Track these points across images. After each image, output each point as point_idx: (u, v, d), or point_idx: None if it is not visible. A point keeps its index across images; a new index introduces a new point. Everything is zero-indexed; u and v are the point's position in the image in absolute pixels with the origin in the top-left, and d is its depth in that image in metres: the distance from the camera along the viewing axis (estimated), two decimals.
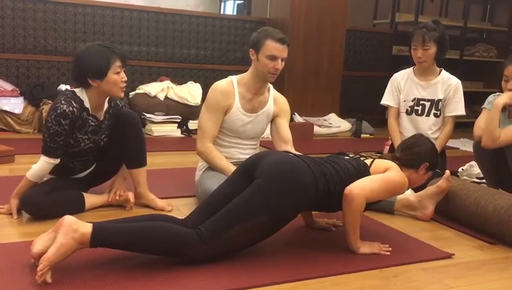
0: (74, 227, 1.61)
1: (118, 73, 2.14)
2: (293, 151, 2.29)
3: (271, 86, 2.62)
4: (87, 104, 2.19)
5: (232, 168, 2.33)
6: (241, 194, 1.82)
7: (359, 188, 1.89)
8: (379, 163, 2.04)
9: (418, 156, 2.10)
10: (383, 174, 1.98)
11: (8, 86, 4.31)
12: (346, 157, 2.09)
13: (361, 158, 2.10)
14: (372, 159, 2.07)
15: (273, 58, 2.39)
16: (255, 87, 2.50)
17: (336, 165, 1.97)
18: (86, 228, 1.63)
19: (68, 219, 1.63)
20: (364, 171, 1.99)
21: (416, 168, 2.10)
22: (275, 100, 2.60)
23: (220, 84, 2.51)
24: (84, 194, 2.32)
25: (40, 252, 1.60)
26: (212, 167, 2.51)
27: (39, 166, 2.14)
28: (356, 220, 1.93)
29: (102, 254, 1.79)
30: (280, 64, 2.41)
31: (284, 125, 2.62)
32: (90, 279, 1.64)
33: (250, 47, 2.46)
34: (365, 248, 1.98)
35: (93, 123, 2.23)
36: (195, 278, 1.70)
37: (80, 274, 1.66)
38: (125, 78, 2.18)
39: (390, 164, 2.04)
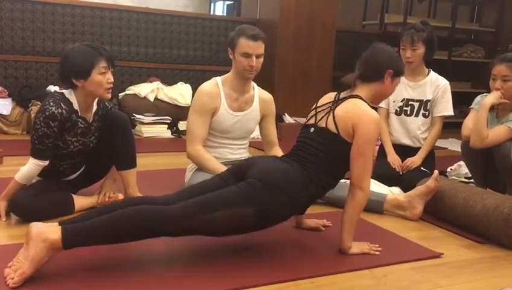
0: (43, 237, 1.57)
1: (103, 74, 2.11)
2: (280, 153, 2.32)
3: (255, 85, 2.64)
4: (75, 106, 2.17)
5: (224, 169, 2.33)
6: (233, 186, 1.82)
7: (364, 181, 1.91)
8: (343, 118, 1.91)
9: (378, 66, 1.99)
10: (363, 149, 1.89)
11: None
12: (311, 130, 2.00)
13: (322, 120, 1.97)
14: (332, 115, 1.93)
15: (246, 55, 2.41)
16: (238, 85, 2.53)
17: (316, 158, 1.92)
18: (55, 234, 1.58)
19: (34, 229, 1.59)
20: (337, 142, 1.91)
21: (381, 78, 1.98)
22: (261, 99, 2.63)
23: (205, 87, 2.53)
24: (73, 195, 2.31)
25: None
26: (202, 169, 2.51)
27: (28, 168, 2.12)
28: (356, 214, 1.94)
29: (97, 254, 1.78)
30: (255, 62, 2.42)
31: (271, 128, 2.69)
32: (85, 281, 1.63)
33: (228, 46, 2.49)
34: (355, 248, 1.99)
35: (82, 125, 2.21)
36: (187, 278, 1.70)
37: (71, 276, 1.66)
38: (111, 80, 2.15)
39: (354, 112, 1.91)
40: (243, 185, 1.80)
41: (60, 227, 1.61)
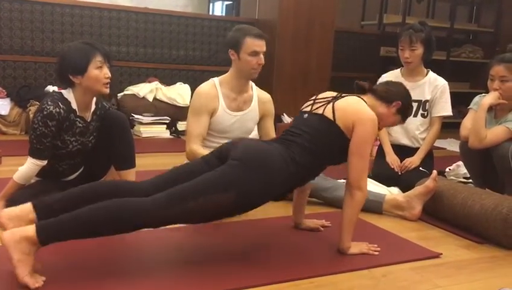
0: (16, 238, 1.54)
1: (99, 68, 2.12)
2: None
3: (253, 84, 2.65)
4: (74, 106, 2.17)
5: None
6: (213, 170, 1.78)
7: (362, 181, 1.90)
8: (343, 111, 1.92)
9: (394, 92, 2.06)
10: (361, 148, 1.90)
11: None
12: (305, 116, 2.01)
13: (320, 108, 1.97)
14: (332, 105, 1.95)
15: (255, 53, 2.44)
16: (238, 86, 2.53)
17: (301, 139, 1.91)
18: (28, 231, 1.56)
19: (7, 235, 1.55)
20: (333, 129, 1.91)
21: (389, 103, 2.03)
22: (259, 99, 2.64)
23: (203, 88, 2.54)
24: None
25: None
26: None
27: (26, 168, 2.12)
28: (355, 214, 1.95)
29: (97, 254, 1.78)
30: (262, 59, 2.47)
31: (270, 128, 2.69)
32: (85, 281, 1.63)
33: (230, 48, 2.49)
34: (354, 248, 1.99)
35: (80, 125, 2.21)
36: (186, 279, 1.70)
37: (71, 276, 1.66)
38: (108, 74, 2.15)
39: (356, 109, 1.93)
40: (223, 168, 1.77)
41: (33, 226, 1.58)
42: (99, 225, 1.63)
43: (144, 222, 1.68)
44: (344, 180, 2.86)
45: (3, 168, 2.98)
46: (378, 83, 3.16)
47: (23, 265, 1.55)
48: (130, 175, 2.37)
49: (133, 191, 1.80)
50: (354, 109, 1.93)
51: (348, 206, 1.94)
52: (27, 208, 1.76)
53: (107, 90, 2.18)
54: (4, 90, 4.29)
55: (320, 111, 1.96)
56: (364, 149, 1.91)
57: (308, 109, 2.02)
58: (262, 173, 1.77)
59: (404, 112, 2.08)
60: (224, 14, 7.09)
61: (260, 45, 2.45)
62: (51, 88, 4.20)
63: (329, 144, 1.93)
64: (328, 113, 1.94)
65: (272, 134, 2.69)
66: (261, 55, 2.46)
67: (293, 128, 1.99)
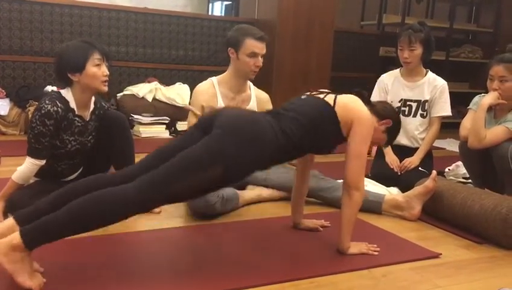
0: (3, 251, 1.51)
1: (97, 66, 2.13)
2: None
3: (251, 84, 2.66)
4: (72, 105, 2.18)
5: None
6: (196, 145, 1.68)
7: (359, 181, 1.89)
8: (345, 105, 1.90)
9: (389, 111, 2.07)
10: (359, 148, 1.89)
11: None
12: (303, 97, 1.99)
13: (320, 95, 1.96)
14: (334, 96, 1.94)
15: (253, 55, 2.45)
16: (236, 85, 2.54)
17: (295, 113, 1.87)
18: (13, 240, 1.52)
19: None
20: (328, 112, 1.89)
21: (380, 119, 2.01)
22: (258, 98, 2.65)
23: (202, 87, 2.55)
24: None
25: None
26: None
27: (24, 167, 2.12)
28: (354, 215, 1.94)
29: (97, 254, 1.78)
30: (260, 61, 2.47)
31: None
32: (85, 282, 1.63)
33: (229, 46, 2.49)
34: (353, 248, 1.99)
35: (79, 124, 2.21)
36: (186, 279, 1.69)
37: (73, 275, 1.66)
38: (106, 72, 2.16)
39: (357, 107, 1.92)
40: (206, 141, 1.68)
41: (17, 233, 1.53)
42: (83, 221, 1.58)
43: (128, 210, 1.61)
44: (341, 180, 2.87)
45: (3, 169, 2.98)
46: (377, 83, 3.18)
47: (21, 273, 1.52)
48: None
49: (116, 179, 1.72)
50: (355, 107, 1.92)
51: (347, 206, 1.94)
52: (10, 223, 1.69)
53: (106, 88, 2.18)
54: (3, 91, 4.29)
55: (321, 96, 1.95)
56: (362, 149, 1.90)
57: (308, 93, 2.01)
58: (250, 142, 1.70)
59: (391, 133, 2.06)
60: (223, 14, 7.09)
61: (259, 47, 2.45)
62: (50, 88, 4.19)
63: (322, 125, 1.88)
64: (329, 100, 1.92)
65: None
66: (260, 58, 2.46)
67: (288, 104, 1.94)
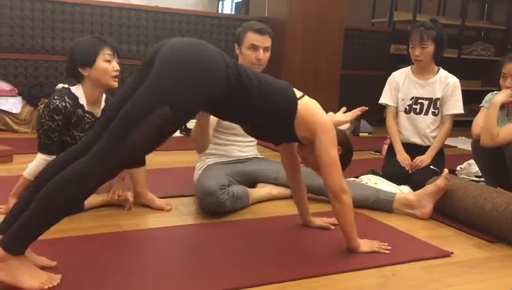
0: None
1: (108, 61, 2.16)
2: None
3: None
4: (82, 101, 2.20)
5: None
6: (137, 91, 1.55)
7: (342, 184, 1.85)
8: (307, 110, 1.84)
9: (345, 140, 1.97)
10: (330, 155, 1.82)
11: (6, 86, 4.31)
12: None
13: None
14: (302, 94, 1.88)
15: (253, 48, 2.46)
16: None
17: (258, 78, 1.79)
18: None
19: None
20: (291, 100, 1.83)
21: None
22: None
23: None
24: None
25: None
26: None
27: (35, 163, 2.15)
28: (351, 216, 1.91)
29: (96, 254, 1.79)
30: (262, 54, 2.47)
31: None
32: (85, 281, 1.64)
33: (235, 42, 2.54)
34: (364, 246, 1.98)
35: (89, 120, 2.23)
36: (186, 278, 1.70)
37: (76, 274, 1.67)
38: (117, 67, 2.19)
39: (320, 116, 1.85)
40: (148, 81, 1.55)
41: None
42: (54, 210, 1.51)
43: (96, 179, 1.52)
44: (352, 179, 2.86)
45: (15, 166, 3.01)
46: (388, 80, 3.15)
47: (21, 278, 1.51)
48: (140, 173, 2.38)
49: (72, 157, 1.61)
50: (319, 115, 1.85)
51: (341, 212, 1.89)
52: None
53: (116, 84, 2.21)
54: (16, 89, 4.33)
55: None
56: (332, 154, 1.83)
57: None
58: (193, 64, 1.57)
59: (344, 158, 1.92)
60: (233, 13, 7.09)
61: (259, 40, 2.45)
62: (61, 86, 4.22)
63: (277, 104, 1.80)
64: (297, 93, 1.87)
65: None
66: (261, 51, 2.46)
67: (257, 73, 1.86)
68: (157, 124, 1.53)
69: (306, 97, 1.90)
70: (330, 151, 1.83)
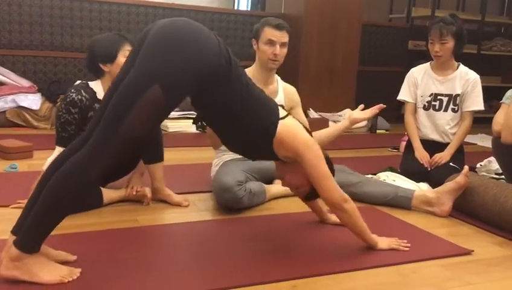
0: (10, 267, 1.52)
1: None
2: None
3: (278, 78, 2.65)
4: (100, 96, 2.23)
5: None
6: (128, 75, 1.54)
7: (340, 193, 1.81)
8: (287, 131, 1.78)
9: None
10: (320, 170, 1.78)
11: (26, 83, 4.37)
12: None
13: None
14: (286, 114, 1.84)
15: (271, 43, 2.46)
16: (262, 78, 2.55)
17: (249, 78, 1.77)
18: (12, 253, 1.51)
19: (2, 272, 1.52)
20: (273, 118, 1.78)
21: None
22: (285, 91, 2.64)
23: None
24: (102, 189, 2.34)
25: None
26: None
27: (53, 157, 2.17)
28: (359, 221, 1.88)
29: (96, 254, 1.80)
30: (279, 50, 2.47)
31: (301, 116, 2.68)
32: (85, 281, 1.66)
33: (252, 38, 2.55)
34: (383, 244, 1.96)
35: None
36: (202, 273, 1.70)
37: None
38: None
39: (304, 136, 1.81)
40: (137, 62, 1.53)
41: (12, 244, 1.52)
42: (60, 205, 1.51)
43: (92, 172, 1.50)
44: (371, 176, 2.84)
45: (35, 162, 3.05)
46: (407, 77, 3.12)
47: (39, 275, 1.53)
48: (158, 168, 2.40)
49: (76, 149, 1.57)
50: (300, 135, 1.81)
51: (348, 220, 1.87)
52: (9, 241, 1.57)
53: None
54: (35, 86, 4.39)
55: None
56: (323, 169, 1.79)
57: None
58: (181, 41, 1.54)
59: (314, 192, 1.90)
60: (249, 9, 7.07)
61: (276, 35, 2.46)
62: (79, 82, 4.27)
63: (259, 116, 1.76)
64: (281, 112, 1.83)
65: (304, 120, 2.63)
66: (278, 46, 2.46)
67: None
68: (150, 105, 1.50)
69: (289, 117, 1.85)
70: (319, 166, 1.79)
